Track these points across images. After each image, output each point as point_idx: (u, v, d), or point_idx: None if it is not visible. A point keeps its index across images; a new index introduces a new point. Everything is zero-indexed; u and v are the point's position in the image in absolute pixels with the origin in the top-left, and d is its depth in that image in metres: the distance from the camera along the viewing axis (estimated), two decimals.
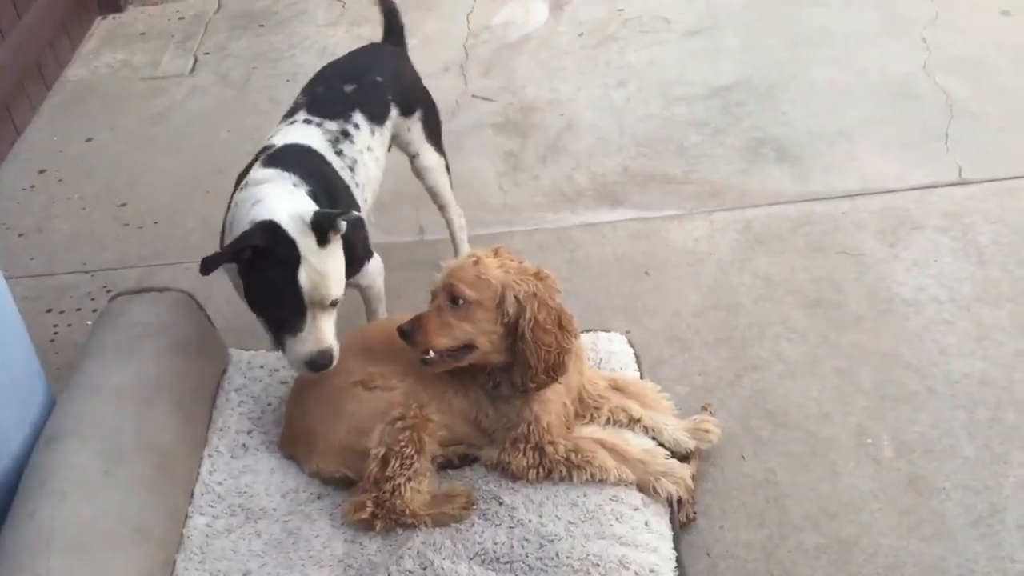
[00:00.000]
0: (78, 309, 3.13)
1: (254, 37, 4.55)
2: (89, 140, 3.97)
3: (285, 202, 2.11)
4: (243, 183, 2.26)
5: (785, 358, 2.71)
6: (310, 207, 2.12)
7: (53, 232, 3.50)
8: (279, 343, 2.14)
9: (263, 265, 2.04)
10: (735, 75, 3.96)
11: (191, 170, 3.73)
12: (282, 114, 2.58)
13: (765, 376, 2.66)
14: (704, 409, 2.50)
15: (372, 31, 4.45)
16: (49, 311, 3.13)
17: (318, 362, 2.10)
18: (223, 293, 3.04)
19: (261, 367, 2.45)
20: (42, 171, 3.81)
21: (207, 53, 4.48)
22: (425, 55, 4.30)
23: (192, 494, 2.14)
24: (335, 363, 2.13)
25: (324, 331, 2.10)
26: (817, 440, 2.47)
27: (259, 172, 2.24)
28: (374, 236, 2.64)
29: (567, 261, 3.12)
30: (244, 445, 2.26)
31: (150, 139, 3.96)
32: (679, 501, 2.19)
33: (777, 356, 2.71)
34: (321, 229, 2.06)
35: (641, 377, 2.40)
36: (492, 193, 3.45)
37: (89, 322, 2.98)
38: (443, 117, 3.82)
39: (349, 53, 2.82)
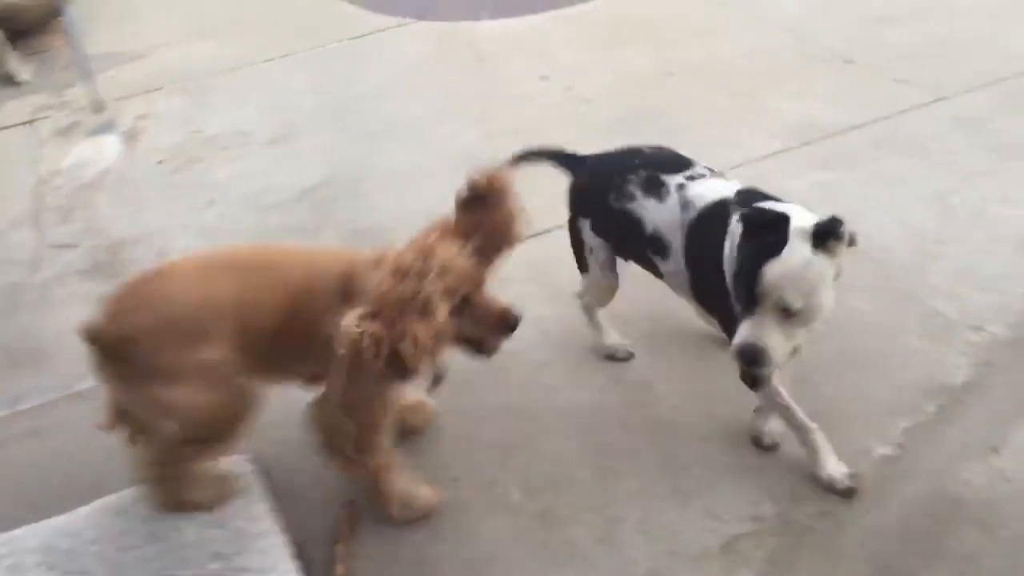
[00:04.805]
0: None
1: None
2: None
3: (799, 211, 2.17)
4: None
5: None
6: (809, 221, 2.12)
7: None
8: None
9: (751, 243, 2.15)
10: (321, 175, 4.09)
11: None
12: None
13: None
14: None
15: None
16: None
17: (745, 353, 2.15)
18: None
19: None
20: None
21: None
22: None
23: None
24: (772, 364, 2.14)
25: (764, 328, 2.12)
26: (452, 504, 2.56)
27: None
28: None
29: None
30: None
31: None
32: None
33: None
34: (821, 234, 2.08)
35: None
36: None
37: None
38: (22, 274, 3.63)
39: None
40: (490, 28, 5.07)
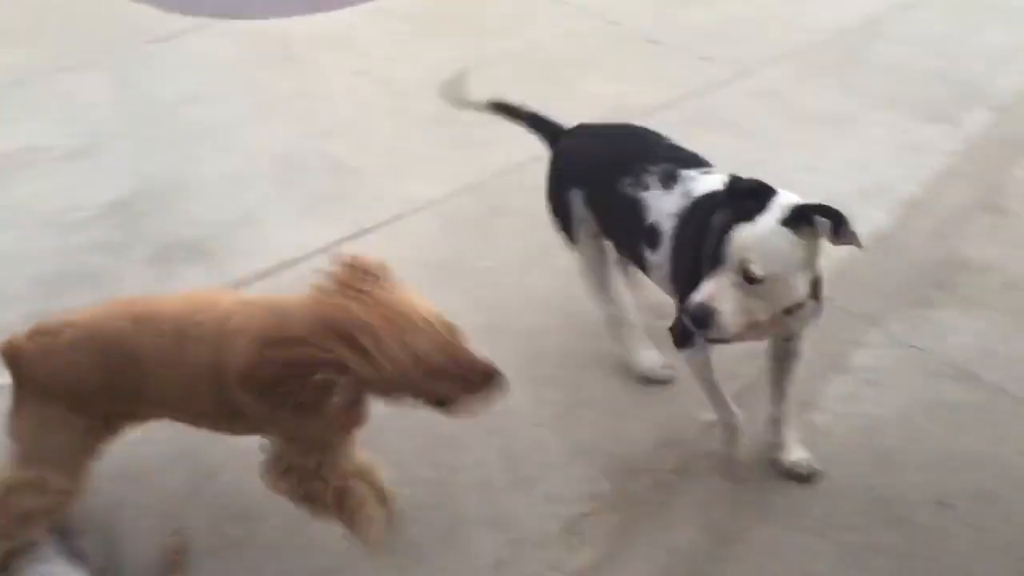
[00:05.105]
0: None
1: None
2: None
3: (794, 197, 2.12)
4: None
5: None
6: (796, 202, 2.09)
7: None
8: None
9: (729, 206, 2.12)
10: (130, 187, 3.88)
11: None
12: None
13: (224, 479, 2.61)
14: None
15: None
16: None
17: (696, 313, 2.08)
18: None
19: None
20: None
21: None
22: None
23: None
24: (721, 330, 2.08)
25: (721, 290, 2.06)
26: (290, 516, 2.47)
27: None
28: None
29: None
30: None
31: None
32: None
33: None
34: (794, 217, 2.04)
35: None
36: None
37: None
38: None
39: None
40: (297, 25, 4.95)
